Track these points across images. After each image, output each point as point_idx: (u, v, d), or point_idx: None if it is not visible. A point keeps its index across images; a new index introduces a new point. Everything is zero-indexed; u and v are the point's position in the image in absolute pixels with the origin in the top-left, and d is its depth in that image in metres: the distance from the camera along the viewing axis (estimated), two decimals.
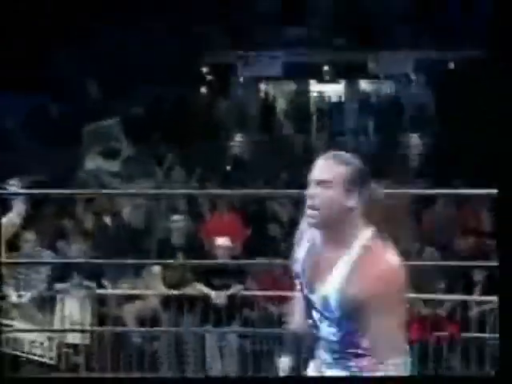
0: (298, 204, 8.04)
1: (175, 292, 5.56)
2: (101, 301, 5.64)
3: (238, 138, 13.31)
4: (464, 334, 4.97)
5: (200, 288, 5.61)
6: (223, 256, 5.70)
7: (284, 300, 5.41)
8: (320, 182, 2.04)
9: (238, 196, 7.31)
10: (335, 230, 2.03)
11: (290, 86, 14.97)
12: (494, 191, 2.57)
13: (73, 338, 5.49)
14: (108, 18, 11.01)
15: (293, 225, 7.57)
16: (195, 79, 13.30)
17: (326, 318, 2.02)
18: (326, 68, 13.90)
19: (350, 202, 2.01)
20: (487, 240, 5.96)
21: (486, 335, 4.95)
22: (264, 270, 6.01)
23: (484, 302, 5.20)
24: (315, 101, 14.88)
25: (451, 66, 12.60)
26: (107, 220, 6.87)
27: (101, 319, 5.55)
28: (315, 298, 2.04)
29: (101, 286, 5.76)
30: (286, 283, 5.31)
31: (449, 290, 5.24)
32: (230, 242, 5.91)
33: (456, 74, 12.13)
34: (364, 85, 14.53)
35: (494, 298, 4.90)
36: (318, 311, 2.04)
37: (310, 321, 2.10)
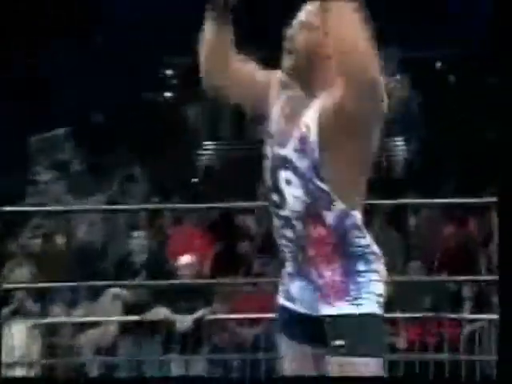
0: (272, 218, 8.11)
1: (135, 317, 5.56)
2: (51, 329, 5.61)
3: (209, 145, 13.32)
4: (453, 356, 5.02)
5: (163, 312, 5.62)
6: (188, 275, 5.73)
7: (257, 323, 5.48)
8: (304, 25, 2.11)
9: (205, 210, 7.37)
10: (310, 79, 2.10)
11: None
12: (493, 199, 2.67)
13: (21, 372, 5.46)
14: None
15: (266, 241, 7.52)
16: (157, 81, 13.32)
17: (298, 173, 2.11)
18: None
19: (328, 48, 2.04)
20: (477, 252, 6.06)
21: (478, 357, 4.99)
22: (234, 291, 6.02)
23: (476, 320, 5.26)
24: None
25: (440, 66, 12.74)
26: (59, 239, 6.85)
27: (52, 350, 5.53)
28: (288, 145, 2.12)
29: (51, 313, 5.73)
30: (259, 304, 5.40)
31: (435, 309, 5.29)
32: (195, 260, 5.92)
33: (446, 74, 12.26)
34: None
35: (486, 316, 4.99)
36: (288, 165, 2.13)
37: (274, 197, 2.17)
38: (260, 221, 7.49)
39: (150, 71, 12.55)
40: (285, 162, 2.16)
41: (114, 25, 11.75)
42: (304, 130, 2.11)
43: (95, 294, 5.90)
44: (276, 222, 2.23)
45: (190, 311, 5.60)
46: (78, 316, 5.79)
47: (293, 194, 2.15)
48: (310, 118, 2.09)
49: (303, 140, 2.11)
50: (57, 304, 5.81)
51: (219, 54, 2.29)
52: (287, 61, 2.13)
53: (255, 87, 2.29)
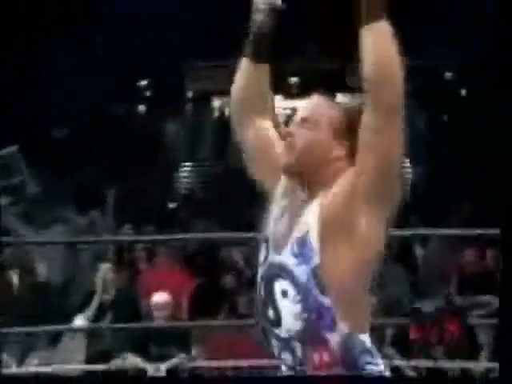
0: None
1: (102, 366, 5.48)
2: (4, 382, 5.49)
3: (186, 167, 13.31)
4: None
5: (133, 360, 5.56)
6: (163, 317, 5.67)
7: (241, 371, 5.40)
8: (304, 121, 2.16)
9: (183, 241, 7.34)
10: (310, 179, 2.14)
11: None
12: (496, 231, 2.70)
13: None
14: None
15: (253, 275, 7.52)
16: (130, 95, 13.37)
17: (295, 282, 2.10)
18: (294, 80, 14.04)
19: (336, 151, 2.12)
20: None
21: None
22: (216, 334, 5.94)
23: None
24: (283, 120, 15.01)
25: (442, 75, 12.88)
26: (12, 276, 6.76)
27: None
28: (285, 251, 2.13)
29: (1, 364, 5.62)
30: (245, 350, 5.33)
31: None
32: (171, 299, 5.86)
33: (447, 85, 12.39)
34: (340, 99, 14.70)
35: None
36: (285, 273, 2.12)
37: (269, 311, 2.16)
38: (248, 254, 7.48)
39: (123, 81, 12.56)
40: (281, 270, 2.15)
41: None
42: (303, 231, 2.11)
43: (54, 339, 5.84)
44: (273, 343, 2.20)
45: (164, 359, 5.56)
46: (33, 366, 5.71)
47: (290, 309, 2.13)
48: (311, 217, 2.11)
49: (302, 242, 2.11)
50: (8, 352, 5.70)
51: (255, 94, 2.36)
52: (285, 158, 2.17)
53: (271, 165, 2.31)
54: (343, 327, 2.10)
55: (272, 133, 2.34)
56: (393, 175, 2.06)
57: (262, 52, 2.32)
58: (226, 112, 15.17)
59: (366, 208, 2.05)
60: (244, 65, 2.35)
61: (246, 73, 2.35)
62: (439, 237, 6.61)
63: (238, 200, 10.70)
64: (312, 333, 2.12)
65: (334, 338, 2.10)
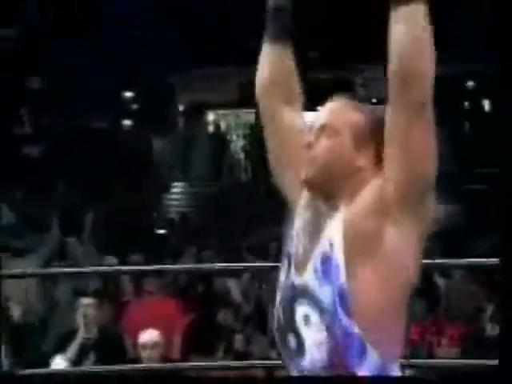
0: (260, 280, 8.10)
1: None
2: None
3: (177, 188, 13.31)
4: None
5: None
6: (152, 358, 5.61)
7: None
8: (324, 128, 2.15)
9: (173, 272, 7.32)
10: (333, 192, 2.13)
11: (249, 117, 15.15)
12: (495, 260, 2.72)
13: None
14: None
15: (253, 308, 7.46)
16: (116, 108, 13.42)
17: (319, 305, 2.08)
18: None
19: (360, 160, 2.10)
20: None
21: None
22: (210, 376, 5.93)
23: None
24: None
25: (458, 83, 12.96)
26: None
27: None
28: (307, 270, 2.11)
29: None
30: None
31: None
32: (161, 337, 5.85)
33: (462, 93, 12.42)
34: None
35: None
36: (307, 296, 2.11)
37: (291, 339, 2.14)
38: (246, 286, 7.47)
39: (105, 92, 12.60)
40: (303, 293, 2.13)
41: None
42: (326, 247, 2.10)
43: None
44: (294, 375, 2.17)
45: None
46: None
47: (313, 337, 2.10)
48: (335, 232, 2.10)
49: (325, 260, 2.10)
50: None
51: (280, 77, 2.37)
52: (306, 171, 2.16)
53: (295, 172, 2.27)
54: (374, 357, 2.07)
55: (299, 133, 2.31)
56: (424, 183, 2.04)
57: (281, 31, 2.35)
58: (222, 126, 15.20)
59: (395, 221, 2.04)
60: (265, 48, 2.38)
61: (268, 56, 2.37)
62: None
63: (235, 225, 10.70)
64: (338, 365, 2.08)
65: (362, 370, 2.07)
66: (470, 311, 6.78)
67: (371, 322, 2.06)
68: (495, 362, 2.56)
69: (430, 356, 5.72)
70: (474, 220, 10.54)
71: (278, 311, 2.18)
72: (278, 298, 2.19)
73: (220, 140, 14.86)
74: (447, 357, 5.69)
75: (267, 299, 6.96)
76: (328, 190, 2.14)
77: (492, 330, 6.39)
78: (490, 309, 6.65)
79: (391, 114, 2.04)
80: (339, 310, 2.06)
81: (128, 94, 14.21)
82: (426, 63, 1.99)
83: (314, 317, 2.09)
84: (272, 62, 2.37)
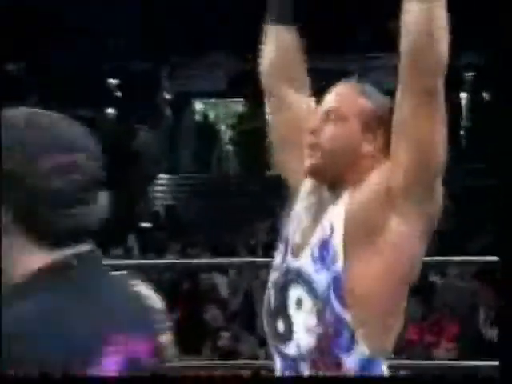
0: (249, 275, 8.03)
1: None
2: None
3: (162, 180, 13.25)
4: None
5: None
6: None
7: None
8: (330, 113, 2.12)
9: (159, 267, 7.25)
10: (338, 179, 2.12)
11: (237, 107, 15.07)
12: (494, 258, 2.76)
13: None
14: None
15: (243, 306, 7.41)
16: (100, 97, 13.37)
17: (313, 290, 2.07)
18: None
19: (366, 146, 2.09)
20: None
21: None
22: (195, 375, 5.85)
23: None
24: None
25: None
26: None
27: None
28: (304, 254, 2.11)
29: None
30: None
31: None
32: None
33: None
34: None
35: None
36: (301, 280, 2.10)
37: (280, 325, 2.14)
38: (233, 282, 7.43)
39: (90, 80, 12.54)
40: (298, 276, 2.13)
41: None
42: (326, 233, 2.10)
43: None
44: (278, 364, 2.15)
45: None
46: None
47: (303, 321, 2.09)
48: (335, 218, 2.10)
49: (324, 246, 2.10)
50: None
51: (284, 59, 2.38)
52: (309, 160, 2.15)
53: (297, 158, 2.25)
54: (363, 349, 2.06)
55: (305, 116, 2.28)
56: (432, 172, 2.01)
57: (284, 13, 2.36)
58: (210, 116, 15.14)
59: (400, 210, 2.02)
60: (269, 31, 2.38)
61: (271, 37, 2.37)
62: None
63: (223, 219, 10.64)
64: (325, 352, 2.07)
65: (349, 361, 2.05)
66: (465, 310, 6.84)
67: (365, 314, 2.04)
68: (495, 362, 2.57)
69: (427, 357, 5.73)
70: (469, 218, 10.58)
71: (269, 294, 2.18)
72: (271, 280, 2.19)
73: (208, 131, 14.82)
74: (444, 357, 5.66)
75: (256, 296, 6.92)
76: (332, 176, 2.12)
77: (488, 329, 6.43)
78: (485, 308, 6.69)
79: (400, 100, 2.01)
80: (333, 296, 2.05)
81: (113, 82, 14.12)
82: (441, 44, 1.97)
83: (307, 301, 2.08)
84: (276, 44, 2.37)
